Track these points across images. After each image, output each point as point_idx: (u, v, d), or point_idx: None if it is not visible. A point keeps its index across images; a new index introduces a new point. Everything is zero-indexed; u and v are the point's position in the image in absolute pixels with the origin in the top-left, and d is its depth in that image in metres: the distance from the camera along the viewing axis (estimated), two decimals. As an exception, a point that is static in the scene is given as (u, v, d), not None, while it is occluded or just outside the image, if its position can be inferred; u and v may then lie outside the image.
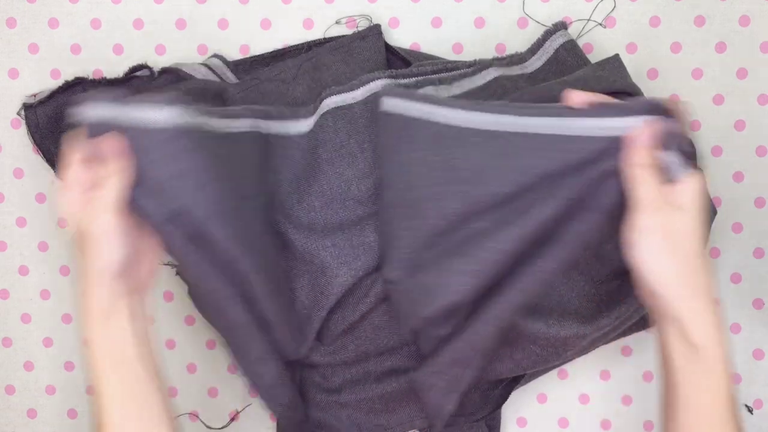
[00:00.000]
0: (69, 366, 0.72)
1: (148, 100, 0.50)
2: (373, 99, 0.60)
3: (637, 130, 0.49)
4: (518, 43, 0.67)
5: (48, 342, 0.72)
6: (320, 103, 0.61)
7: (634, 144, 0.49)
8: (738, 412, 0.49)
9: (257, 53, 0.68)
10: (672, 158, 0.49)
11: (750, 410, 0.70)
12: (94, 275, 0.51)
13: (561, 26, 0.65)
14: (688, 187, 0.49)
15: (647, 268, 0.48)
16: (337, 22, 0.68)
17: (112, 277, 0.51)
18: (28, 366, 0.72)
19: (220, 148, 0.54)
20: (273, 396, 0.60)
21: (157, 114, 0.49)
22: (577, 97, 0.52)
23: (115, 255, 0.51)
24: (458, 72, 0.62)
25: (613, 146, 0.49)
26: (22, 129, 0.69)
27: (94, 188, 0.51)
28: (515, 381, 0.66)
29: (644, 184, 0.49)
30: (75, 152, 0.51)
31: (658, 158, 0.49)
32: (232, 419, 0.71)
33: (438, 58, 0.66)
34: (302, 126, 0.61)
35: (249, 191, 0.57)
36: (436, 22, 0.68)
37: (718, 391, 0.48)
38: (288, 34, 0.68)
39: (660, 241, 0.48)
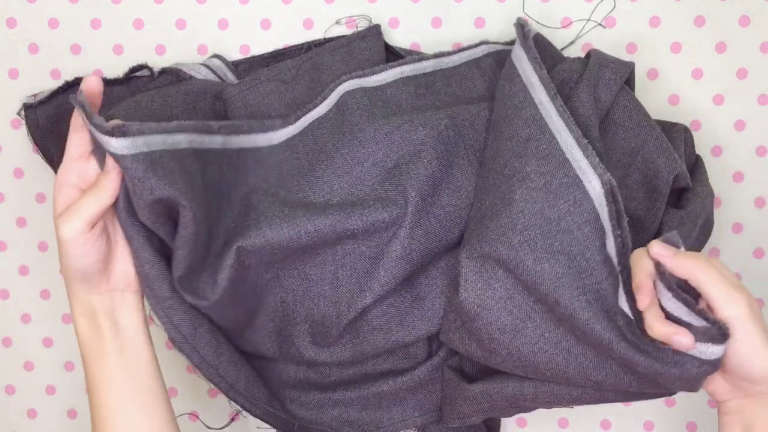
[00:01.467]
0: (69, 366, 0.72)
1: (105, 128, 0.49)
2: (344, 100, 0.62)
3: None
4: (518, 43, 0.67)
5: (48, 342, 0.72)
6: (296, 121, 0.63)
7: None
8: None
9: (257, 53, 0.68)
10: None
11: (750, 410, 0.70)
12: (65, 276, 0.53)
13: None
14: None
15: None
16: (337, 22, 0.68)
17: (81, 279, 0.52)
18: (28, 366, 0.72)
19: (190, 166, 0.54)
20: (252, 397, 0.61)
21: (115, 143, 0.49)
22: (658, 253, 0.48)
23: (79, 262, 0.51)
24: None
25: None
26: (22, 129, 0.69)
27: (79, 189, 0.51)
28: None
29: None
30: (73, 147, 0.51)
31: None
32: (232, 419, 0.71)
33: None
34: (273, 138, 0.62)
35: (214, 208, 0.57)
36: (436, 22, 0.68)
37: None
38: (288, 34, 0.68)
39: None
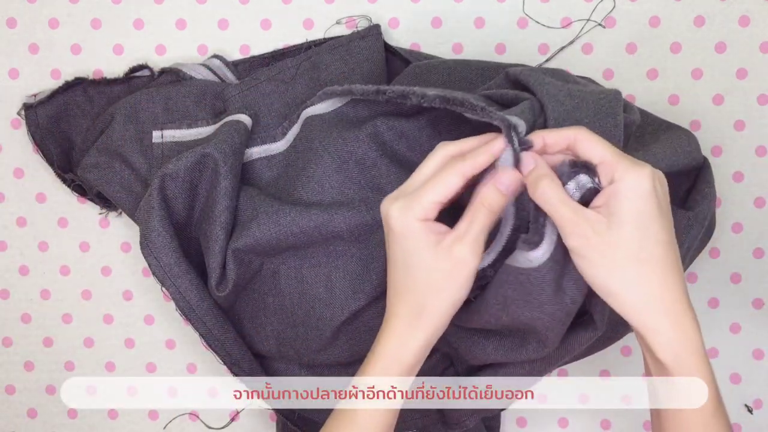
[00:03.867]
0: (69, 366, 0.72)
1: None
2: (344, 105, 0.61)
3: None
4: (518, 43, 0.67)
5: (48, 342, 0.72)
6: (297, 118, 0.63)
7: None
8: (726, 423, 0.44)
9: (257, 53, 0.68)
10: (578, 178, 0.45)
11: (750, 410, 0.70)
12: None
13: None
14: (620, 195, 0.42)
15: (591, 281, 0.44)
16: (337, 22, 0.68)
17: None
18: (28, 366, 0.72)
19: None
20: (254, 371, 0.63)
21: None
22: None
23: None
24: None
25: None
26: (22, 129, 0.69)
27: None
28: None
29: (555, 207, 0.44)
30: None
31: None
32: (232, 419, 0.71)
33: (437, 57, 0.66)
34: (273, 148, 0.64)
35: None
36: (436, 22, 0.68)
37: (698, 410, 0.43)
38: (288, 34, 0.68)
39: (598, 257, 0.43)
